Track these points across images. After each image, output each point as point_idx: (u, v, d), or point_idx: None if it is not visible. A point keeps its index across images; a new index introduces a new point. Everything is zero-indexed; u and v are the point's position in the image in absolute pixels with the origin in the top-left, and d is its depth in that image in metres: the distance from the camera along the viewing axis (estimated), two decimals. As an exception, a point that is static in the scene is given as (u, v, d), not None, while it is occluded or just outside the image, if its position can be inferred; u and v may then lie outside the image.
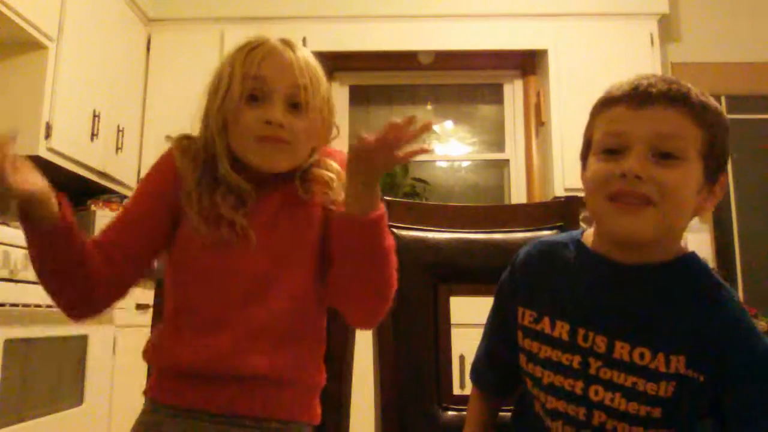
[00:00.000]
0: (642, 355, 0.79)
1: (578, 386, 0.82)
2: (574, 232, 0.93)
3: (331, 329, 1.05)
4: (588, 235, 0.89)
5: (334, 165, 1.01)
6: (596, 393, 0.81)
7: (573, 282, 0.86)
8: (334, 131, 1.05)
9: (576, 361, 0.82)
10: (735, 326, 0.79)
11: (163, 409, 0.93)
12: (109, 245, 0.93)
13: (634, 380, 0.79)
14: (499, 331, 0.97)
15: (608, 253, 0.84)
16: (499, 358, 0.97)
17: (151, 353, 0.97)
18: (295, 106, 0.96)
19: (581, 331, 0.83)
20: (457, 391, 1.24)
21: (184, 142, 0.99)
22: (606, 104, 0.83)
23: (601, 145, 0.82)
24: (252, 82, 0.94)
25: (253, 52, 0.96)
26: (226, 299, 0.93)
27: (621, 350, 0.80)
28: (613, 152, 0.80)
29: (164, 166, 0.99)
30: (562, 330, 0.84)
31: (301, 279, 0.96)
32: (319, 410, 0.99)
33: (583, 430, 0.82)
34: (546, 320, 0.86)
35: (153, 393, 0.95)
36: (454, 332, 1.25)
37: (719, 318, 0.80)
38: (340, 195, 0.96)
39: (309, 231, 0.98)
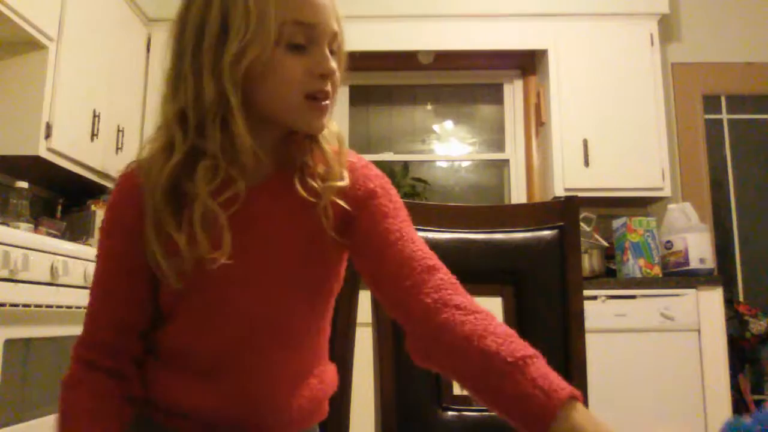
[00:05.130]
0: None
1: None
2: None
3: (331, 329, 1.04)
4: None
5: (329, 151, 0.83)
6: None
7: None
8: None
9: None
10: None
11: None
12: (114, 341, 0.83)
13: None
14: None
15: None
16: None
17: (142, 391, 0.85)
18: (331, 53, 0.78)
19: None
20: (457, 391, 1.24)
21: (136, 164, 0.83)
22: None
23: None
24: (296, 27, 0.75)
25: None
26: (223, 342, 0.81)
27: None
28: None
29: (121, 206, 0.82)
30: None
31: (307, 319, 0.87)
32: (326, 406, 0.93)
33: None
34: None
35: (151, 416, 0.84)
36: (454, 332, 1.24)
37: None
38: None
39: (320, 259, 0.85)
